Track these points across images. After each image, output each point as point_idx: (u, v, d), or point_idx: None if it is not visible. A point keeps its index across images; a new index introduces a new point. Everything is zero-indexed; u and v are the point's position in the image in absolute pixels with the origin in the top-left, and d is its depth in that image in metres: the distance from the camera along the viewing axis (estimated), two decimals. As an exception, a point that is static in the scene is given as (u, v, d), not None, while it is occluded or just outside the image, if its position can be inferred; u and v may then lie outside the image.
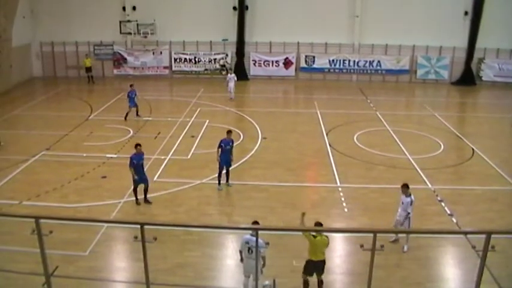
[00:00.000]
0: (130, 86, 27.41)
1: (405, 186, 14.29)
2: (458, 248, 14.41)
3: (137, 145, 17.32)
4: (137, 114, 27.15)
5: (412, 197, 14.14)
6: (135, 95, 27.08)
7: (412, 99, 35.54)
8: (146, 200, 17.13)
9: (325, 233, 11.15)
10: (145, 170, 17.52)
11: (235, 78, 32.13)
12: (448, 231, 16.04)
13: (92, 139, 23.69)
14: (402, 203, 14.26)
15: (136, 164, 16.90)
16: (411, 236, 14.36)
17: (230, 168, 18.66)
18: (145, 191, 17.17)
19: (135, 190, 17.05)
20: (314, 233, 11.28)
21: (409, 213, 13.99)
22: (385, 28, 36.61)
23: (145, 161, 20.69)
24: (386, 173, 19.97)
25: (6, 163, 20.73)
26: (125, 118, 26.64)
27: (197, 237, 14.59)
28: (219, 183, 18.45)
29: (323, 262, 11.43)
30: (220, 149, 18.17)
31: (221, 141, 18.34)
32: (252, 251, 11.32)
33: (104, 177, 19.52)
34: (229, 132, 18.82)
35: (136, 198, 17.09)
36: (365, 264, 7.64)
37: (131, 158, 16.97)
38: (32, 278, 8.48)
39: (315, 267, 11.59)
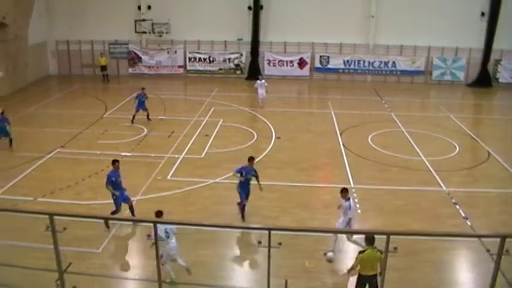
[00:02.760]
0: (142, 89, 26.62)
1: (344, 191, 13.84)
2: (472, 252, 14.27)
3: (115, 161, 15.76)
4: (148, 118, 26.39)
5: (351, 201, 13.74)
6: (146, 98, 26.31)
7: (427, 100, 35.28)
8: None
9: (377, 249, 10.72)
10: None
11: (266, 84, 30.02)
12: (462, 234, 15.89)
13: (106, 137, 23.80)
14: (341, 205, 13.93)
15: (115, 182, 15.38)
16: (427, 239, 14.24)
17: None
18: (131, 209, 15.79)
19: (116, 212, 15.35)
20: (362, 248, 10.94)
21: (350, 218, 13.55)
22: (401, 29, 36.34)
23: (159, 159, 20.89)
24: (400, 175, 19.85)
25: (21, 160, 20.91)
26: (132, 121, 26.10)
27: (209, 237, 14.59)
28: (243, 218, 16.03)
29: (375, 276, 10.89)
30: (240, 176, 15.92)
31: (242, 168, 16.08)
32: (169, 236, 12.30)
33: (118, 175, 19.59)
34: (251, 159, 16.43)
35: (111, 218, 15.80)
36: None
37: (109, 176, 15.43)
38: (45, 274, 8.55)
39: (368, 281, 11.08)
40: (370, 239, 10.79)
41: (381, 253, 10.32)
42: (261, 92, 29.79)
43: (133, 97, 27.37)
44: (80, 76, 39.55)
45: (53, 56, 40.18)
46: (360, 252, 10.87)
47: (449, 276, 13.37)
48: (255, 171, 16.11)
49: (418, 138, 24.23)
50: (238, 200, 16.13)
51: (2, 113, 22.39)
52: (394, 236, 7.41)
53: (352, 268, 11.06)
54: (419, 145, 23.14)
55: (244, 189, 16.00)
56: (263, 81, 30.22)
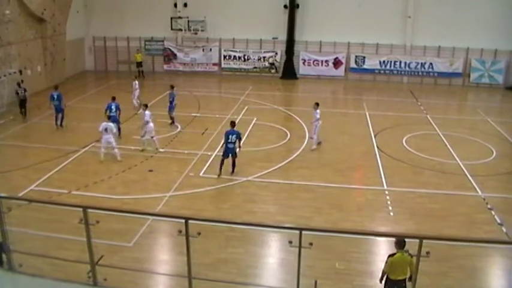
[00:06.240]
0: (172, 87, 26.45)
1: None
2: (506, 259, 13.95)
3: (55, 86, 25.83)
4: (173, 123, 25.75)
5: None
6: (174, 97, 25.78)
7: (465, 103, 34.64)
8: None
9: (408, 253, 10.45)
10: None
11: (136, 87, 29.38)
12: (497, 241, 15.50)
13: (140, 132, 24.02)
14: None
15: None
16: (460, 244, 13.94)
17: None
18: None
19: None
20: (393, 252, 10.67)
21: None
22: (438, 29, 35.69)
23: (193, 156, 21.03)
24: (435, 178, 19.52)
25: (57, 153, 21.30)
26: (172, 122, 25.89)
27: (240, 235, 14.59)
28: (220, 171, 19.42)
29: (404, 281, 10.55)
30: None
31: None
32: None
33: (151, 170, 19.79)
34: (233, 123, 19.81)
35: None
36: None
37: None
38: (77, 265, 8.63)
39: (397, 286, 10.65)
40: (400, 242, 10.45)
41: (411, 257, 10.10)
42: (135, 94, 29.23)
43: (167, 94, 27.48)
44: (115, 72, 40.11)
45: (90, 51, 40.92)
46: (390, 256, 10.62)
47: (483, 284, 13.10)
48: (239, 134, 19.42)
49: (454, 141, 23.80)
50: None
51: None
52: (427, 240, 7.26)
53: (383, 273, 10.82)
54: (455, 148, 22.72)
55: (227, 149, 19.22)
56: (135, 82, 29.66)
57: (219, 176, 19.13)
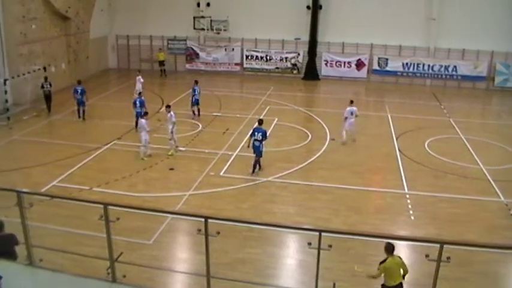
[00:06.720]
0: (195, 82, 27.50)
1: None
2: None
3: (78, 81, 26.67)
4: (194, 114, 27.03)
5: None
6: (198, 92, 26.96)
7: (489, 107, 34.19)
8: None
9: (397, 256, 10.33)
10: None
11: (141, 80, 30.37)
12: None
13: (161, 131, 24.07)
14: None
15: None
16: (481, 250, 13.74)
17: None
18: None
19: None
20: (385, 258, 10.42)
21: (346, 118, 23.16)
22: (463, 32, 35.21)
23: (213, 155, 21.02)
24: (457, 183, 19.28)
25: (79, 150, 21.50)
26: (198, 115, 26.95)
27: (259, 235, 14.58)
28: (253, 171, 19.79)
29: (401, 285, 10.39)
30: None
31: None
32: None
33: (172, 169, 19.87)
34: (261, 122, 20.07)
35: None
36: (429, 275, 7.41)
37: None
38: (97, 261, 8.70)
39: None
40: (389, 248, 10.23)
41: (400, 258, 10.26)
42: (138, 86, 29.76)
43: (188, 93, 27.73)
44: (138, 70, 40.29)
45: (113, 50, 41.26)
46: (381, 263, 10.42)
47: (505, 290, 12.92)
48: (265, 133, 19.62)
49: (477, 145, 23.48)
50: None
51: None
52: (448, 245, 7.17)
53: (373, 277, 10.59)
54: (478, 153, 22.42)
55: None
56: (139, 77, 30.45)
57: (260, 170, 19.86)
